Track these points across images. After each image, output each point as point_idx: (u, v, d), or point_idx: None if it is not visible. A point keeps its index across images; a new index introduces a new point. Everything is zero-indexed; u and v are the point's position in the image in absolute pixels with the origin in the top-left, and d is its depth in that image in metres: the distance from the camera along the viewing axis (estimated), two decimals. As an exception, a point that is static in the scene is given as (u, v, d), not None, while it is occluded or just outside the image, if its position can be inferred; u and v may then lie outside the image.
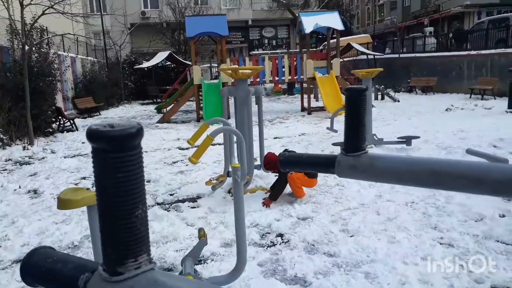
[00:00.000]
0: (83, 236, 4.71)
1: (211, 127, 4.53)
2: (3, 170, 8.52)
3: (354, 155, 1.31)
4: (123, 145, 0.62)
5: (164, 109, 17.01)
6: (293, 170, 1.68)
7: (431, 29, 29.92)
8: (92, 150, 0.61)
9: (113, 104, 21.51)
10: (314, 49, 26.82)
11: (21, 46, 11.53)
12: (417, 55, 23.27)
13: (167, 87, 23.40)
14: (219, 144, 10.03)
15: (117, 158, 0.62)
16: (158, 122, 14.87)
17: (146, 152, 9.59)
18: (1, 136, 10.50)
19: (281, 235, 4.47)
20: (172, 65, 27.26)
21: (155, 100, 24.15)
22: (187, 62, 24.50)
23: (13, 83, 11.52)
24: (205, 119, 13.86)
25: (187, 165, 8.04)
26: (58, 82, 14.42)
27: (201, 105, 15.33)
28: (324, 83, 14.37)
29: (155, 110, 18.93)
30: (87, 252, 4.27)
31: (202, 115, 14.33)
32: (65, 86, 17.14)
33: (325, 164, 1.39)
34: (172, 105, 16.41)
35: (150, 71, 25.78)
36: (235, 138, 5.23)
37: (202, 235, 3.18)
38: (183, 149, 9.75)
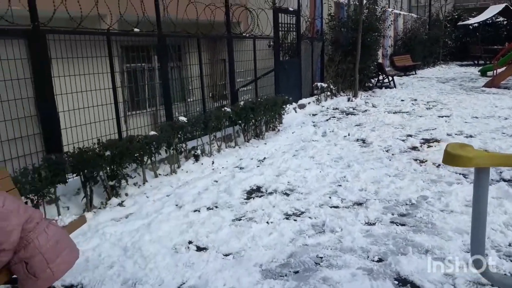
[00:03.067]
0: (419, 196, 4.42)
1: None
2: (332, 117, 9.37)
3: None
4: None
5: (492, 72, 14.65)
6: None
7: None
8: None
9: (429, 64, 20.39)
10: None
11: (357, 2, 12.12)
12: None
13: (495, 47, 20.19)
14: None
15: None
16: (484, 86, 12.96)
17: (477, 117, 8.42)
18: (331, 86, 11.58)
19: None
20: (505, 21, 23.15)
21: (477, 62, 21.38)
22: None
23: (345, 38, 12.36)
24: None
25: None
26: (383, 37, 14.58)
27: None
28: None
29: (479, 73, 16.66)
30: (426, 214, 3.96)
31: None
32: (385, 43, 17.30)
33: None
34: (505, 67, 13.89)
35: (475, 29, 22.83)
36: None
37: None
38: (525, 120, 8.00)
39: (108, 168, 4.52)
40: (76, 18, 4.80)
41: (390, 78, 13.95)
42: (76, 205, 4.29)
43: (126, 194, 4.73)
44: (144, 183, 5.05)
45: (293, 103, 10.01)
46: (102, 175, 4.46)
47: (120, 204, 4.49)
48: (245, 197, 4.64)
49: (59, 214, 3.99)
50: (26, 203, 3.53)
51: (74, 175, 4.24)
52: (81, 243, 3.52)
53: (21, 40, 4.50)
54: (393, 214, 4.01)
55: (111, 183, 4.57)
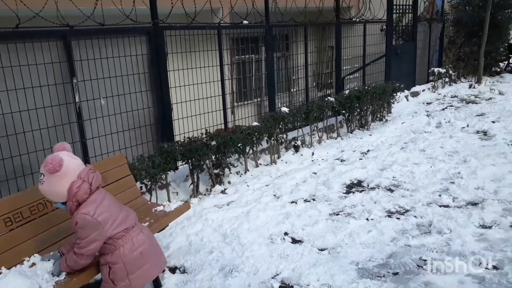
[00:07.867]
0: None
1: None
2: (449, 106, 8.53)
3: None
4: None
5: None
6: None
7: None
8: None
9: None
10: None
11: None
12: None
13: None
14: None
15: None
16: None
17: None
18: (450, 72, 10.52)
19: None
20: None
21: None
22: None
23: (470, 17, 11.07)
24: None
25: None
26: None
27: None
28: None
29: None
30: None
31: None
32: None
33: None
34: None
35: None
36: None
37: None
38: None
39: (213, 157, 4.77)
40: (190, 13, 5.08)
41: (525, 61, 12.14)
42: (184, 191, 4.64)
43: (229, 182, 4.96)
44: (245, 172, 5.24)
45: (405, 91, 9.36)
46: (208, 163, 4.73)
47: (223, 192, 4.73)
48: (345, 191, 4.51)
49: (169, 199, 4.36)
50: (140, 188, 3.92)
51: (184, 162, 4.58)
52: (186, 227, 3.80)
53: (142, 37, 4.94)
54: (515, 218, 3.52)
55: (215, 171, 4.83)
